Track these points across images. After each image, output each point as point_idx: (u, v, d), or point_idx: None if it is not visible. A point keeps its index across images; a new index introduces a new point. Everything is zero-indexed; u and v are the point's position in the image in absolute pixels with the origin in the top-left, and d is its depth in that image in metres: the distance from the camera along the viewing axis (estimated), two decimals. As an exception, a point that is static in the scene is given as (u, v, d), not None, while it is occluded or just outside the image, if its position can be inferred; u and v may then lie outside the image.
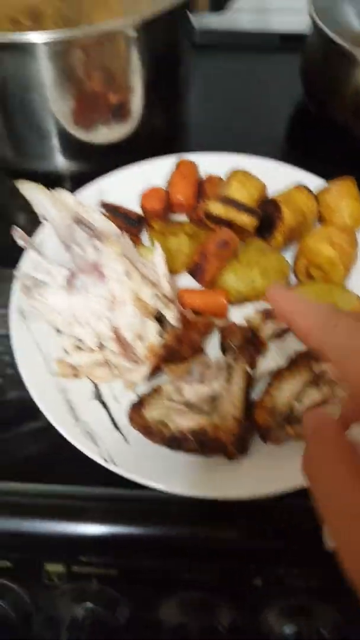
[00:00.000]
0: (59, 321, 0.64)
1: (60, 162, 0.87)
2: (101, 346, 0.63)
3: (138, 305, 0.59)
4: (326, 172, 0.83)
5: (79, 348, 0.65)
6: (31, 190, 0.62)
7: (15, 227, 0.66)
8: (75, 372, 0.64)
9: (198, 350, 0.65)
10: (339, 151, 0.94)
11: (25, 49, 0.70)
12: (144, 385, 0.64)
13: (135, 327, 0.60)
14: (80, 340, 0.64)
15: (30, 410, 0.62)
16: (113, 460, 0.58)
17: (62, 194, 0.65)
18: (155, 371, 0.63)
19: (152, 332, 0.61)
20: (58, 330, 0.66)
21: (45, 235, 0.74)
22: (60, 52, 0.71)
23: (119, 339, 0.61)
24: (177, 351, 0.63)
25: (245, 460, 0.58)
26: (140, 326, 0.60)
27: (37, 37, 0.69)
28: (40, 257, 0.66)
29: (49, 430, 0.61)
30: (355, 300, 0.68)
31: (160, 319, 0.64)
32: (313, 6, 0.93)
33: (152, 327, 0.61)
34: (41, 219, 0.63)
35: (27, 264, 0.70)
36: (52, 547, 0.58)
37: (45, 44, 0.69)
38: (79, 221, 0.60)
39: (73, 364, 0.64)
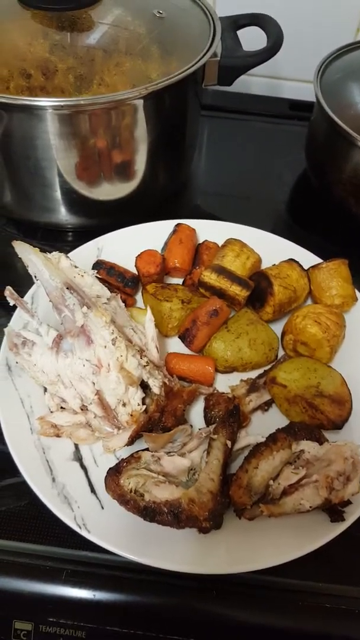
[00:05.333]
0: (44, 380, 0.70)
1: (63, 215, 0.96)
2: (84, 408, 0.70)
3: (123, 373, 0.66)
4: (322, 247, 0.93)
5: (62, 408, 0.71)
6: (26, 252, 0.69)
7: (8, 287, 0.74)
8: (56, 431, 0.70)
9: (180, 419, 0.71)
10: (336, 227, 1.04)
11: (34, 112, 0.80)
12: (124, 449, 0.70)
13: (118, 393, 0.67)
14: (64, 400, 0.71)
15: (8, 464, 0.68)
16: (86, 527, 0.63)
17: (57, 257, 0.73)
18: (136, 438, 0.69)
19: (135, 399, 0.68)
20: (45, 389, 0.72)
21: (37, 294, 0.82)
22: (68, 116, 0.81)
23: (102, 403, 0.68)
24: (159, 420, 0.69)
25: (218, 535, 0.64)
26: (124, 393, 0.67)
27: (46, 102, 0.79)
28: (30, 317, 0.73)
29: (26, 486, 0.66)
30: (339, 380, 0.75)
31: (145, 384, 0.71)
32: (319, 83, 1.04)
33: (136, 394, 0.68)
34: (34, 279, 0.71)
35: (17, 322, 0.78)
36: (22, 606, 0.63)
37: (54, 108, 0.79)
38: (70, 287, 0.67)
39: (55, 423, 0.70)
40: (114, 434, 0.69)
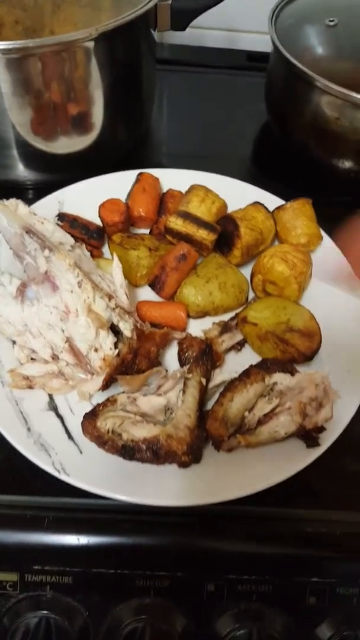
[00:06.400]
0: (10, 331, 0.70)
1: (21, 171, 0.94)
2: (55, 357, 0.70)
3: (91, 317, 0.66)
4: (287, 192, 0.93)
5: (32, 359, 0.71)
6: (-20, 200, 0.68)
7: None
8: (29, 382, 0.70)
9: (154, 362, 0.72)
10: (300, 173, 1.05)
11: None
12: (99, 395, 0.70)
13: (89, 339, 0.67)
14: (34, 351, 0.70)
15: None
16: (65, 471, 0.64)
17: (14, 204, 0.71)
18: (110, 382, 0.69)
19: (107, 344, 0.68)
20: (13, 341, 0.72)
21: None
22: (17, 61, 0.79)
23: (73, 350, 0.68)
24: (133, 363, 0.69)
25: (198, 468, 0.65)
26: (95, 338, 0.67)
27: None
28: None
29: (2, 439, 0.66)
30: (308, 315, 0.77)
31: (116, 330, 0.71)
32: (274, 28, 1.04)
33: (107, 338, 0.68)
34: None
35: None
36: (5, 556, 0.63)
37: (2, 52, 0.76)
38: (29, 231, 0.67)
39: (27, 375, 0.70)
40: (87, 380, 0.69)
